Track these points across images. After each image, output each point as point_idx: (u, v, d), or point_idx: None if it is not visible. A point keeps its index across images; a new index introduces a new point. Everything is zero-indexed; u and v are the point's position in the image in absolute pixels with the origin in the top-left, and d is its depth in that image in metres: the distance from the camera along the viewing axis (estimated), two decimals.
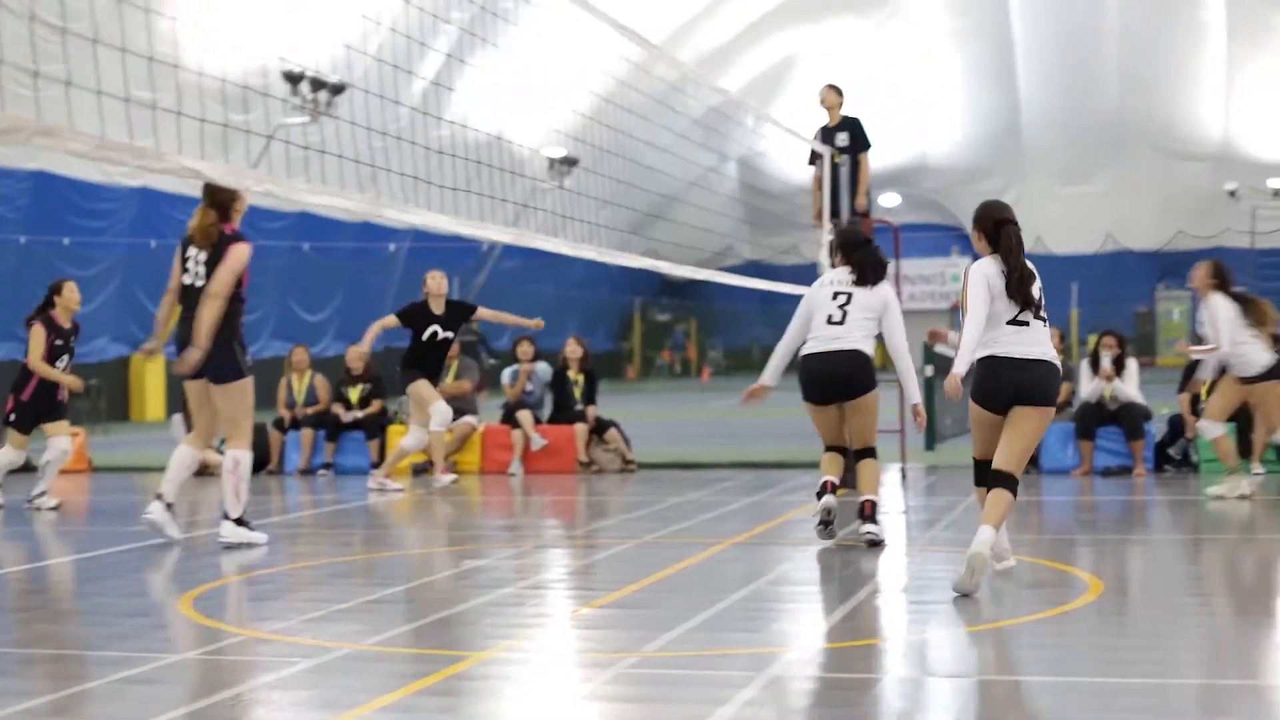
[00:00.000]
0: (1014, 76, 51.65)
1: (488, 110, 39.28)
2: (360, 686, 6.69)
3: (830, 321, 11.21)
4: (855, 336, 11.18)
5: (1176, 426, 16.83)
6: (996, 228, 9.33)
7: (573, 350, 18.84)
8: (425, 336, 16.37)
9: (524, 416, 18.30)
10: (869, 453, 11.39)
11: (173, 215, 29.91)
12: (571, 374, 18.78)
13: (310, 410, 19.19)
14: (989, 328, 9.20)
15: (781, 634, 8.12)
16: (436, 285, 16.50)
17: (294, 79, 30.99)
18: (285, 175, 20.88)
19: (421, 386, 16.38)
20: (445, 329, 16.44)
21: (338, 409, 19.09)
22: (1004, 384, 9.14)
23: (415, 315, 16.50)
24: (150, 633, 8.29)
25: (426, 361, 16.49)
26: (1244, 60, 48.20)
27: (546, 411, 19.01)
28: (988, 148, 55.01)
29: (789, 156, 48.07)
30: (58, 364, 14.90)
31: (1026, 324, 9.21)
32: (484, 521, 14.59)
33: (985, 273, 9.25)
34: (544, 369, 19.07)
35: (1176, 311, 54.21)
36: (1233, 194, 53.44)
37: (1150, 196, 54.88)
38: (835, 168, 16.22)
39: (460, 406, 18.30)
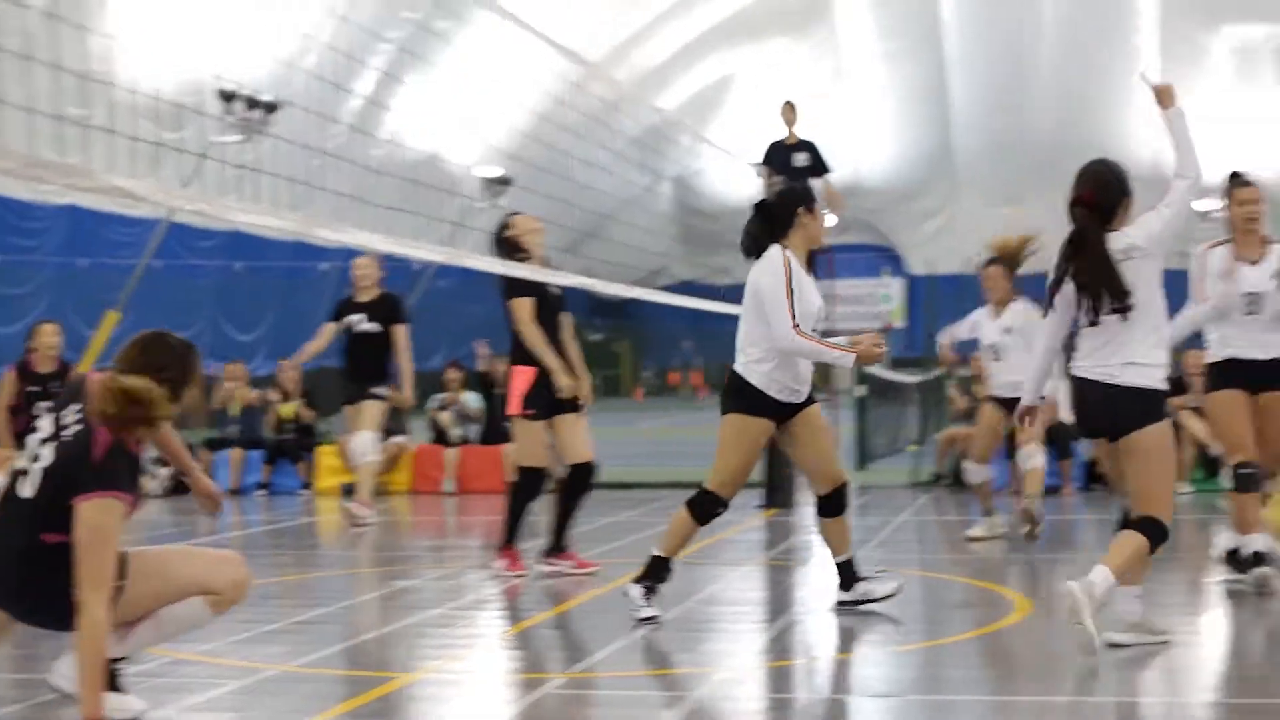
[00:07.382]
0: (947, 97, 51.95)
1: (422, 129, 39.25)
2: (288, 708, 6.66)
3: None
4: None
5: None
6: None
7: (497, 369, 18.81)
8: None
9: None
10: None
11: (101, 234, 29.70)
12: (498, 390, 18.74)
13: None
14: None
15: (711, 654, 8.10)
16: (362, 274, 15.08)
17: (228, 97, 30.82)
18: (217, 194, 20.76)
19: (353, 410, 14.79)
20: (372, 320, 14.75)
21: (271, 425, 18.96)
22: None
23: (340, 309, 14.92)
24: None
25: (351, 362, 14.71)
26: (1177, 82, 48.58)
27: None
28: (921, 168, 55.31)
29: (725, 176, 48.29)
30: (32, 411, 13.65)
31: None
32: (414, 542, 14.54)
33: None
34: (473, 399, 19.05)
35: None
36: None
37: None
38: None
39: (390, 426, 18.29)
